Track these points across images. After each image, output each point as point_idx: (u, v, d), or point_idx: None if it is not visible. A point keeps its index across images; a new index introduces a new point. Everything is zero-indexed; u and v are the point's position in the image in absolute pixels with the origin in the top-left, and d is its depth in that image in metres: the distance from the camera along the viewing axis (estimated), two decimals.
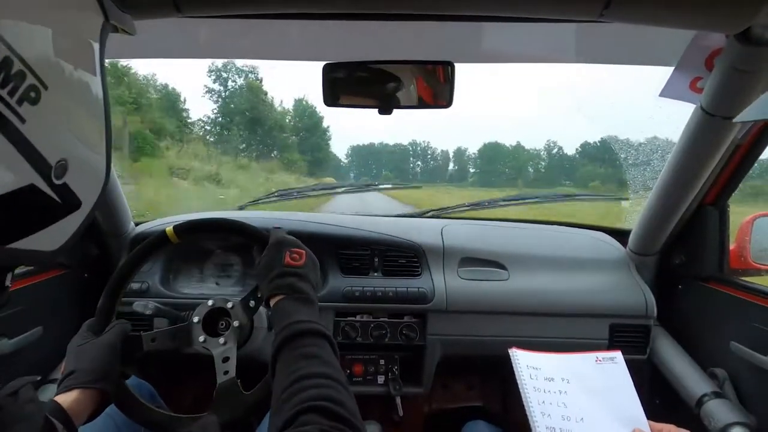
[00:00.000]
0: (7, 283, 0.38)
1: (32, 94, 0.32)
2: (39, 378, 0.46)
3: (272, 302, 0.65)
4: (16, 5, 0.31)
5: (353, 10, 0.67)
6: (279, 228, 0.75)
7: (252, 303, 0.77)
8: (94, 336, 0.71)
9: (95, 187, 0.42)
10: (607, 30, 0.83)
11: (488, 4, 0.64)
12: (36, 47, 0.32)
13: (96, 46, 0.40)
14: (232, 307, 0.77)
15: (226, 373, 0.73)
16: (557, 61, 1.13)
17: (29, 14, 0.32)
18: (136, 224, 1.28)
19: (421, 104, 0.93)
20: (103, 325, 0.74)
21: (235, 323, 0.75)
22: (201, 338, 0.76)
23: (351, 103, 0.93)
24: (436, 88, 0.91)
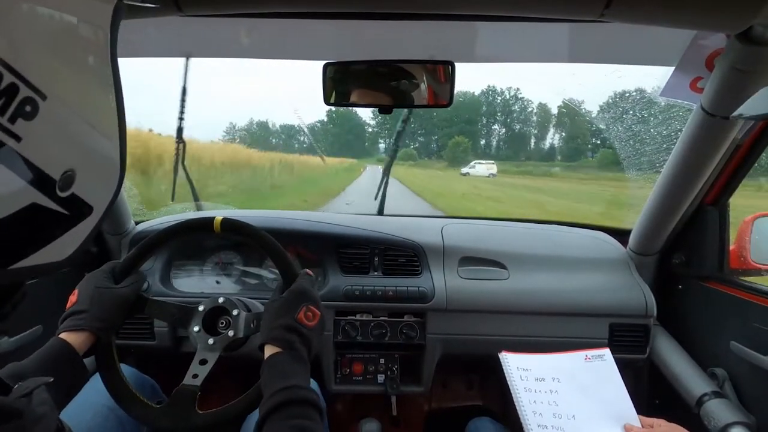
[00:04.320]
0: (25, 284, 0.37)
1: (27, 108, 0.28)
2: (52, 379, 0.46)
3: (266, 350, 0.64)
4: (2, 4, 0.27)
5: (353, 9, 0.67)
6: (310, 275, 0.74)
7: (260, 322, 0.74)
8: (113, 282, 0.74)
9: (108, 189, 0.38)
10: (608, 30, 0.83)
11: (489, 4, 0.64)
12: (30, 51, 0.28)
13: (107, 34, 0.35)
14: (237, 315, 0.76)
15: (194, 377, 0.71)
16: (557, 61, 1.13)
17: (21, 13, 0.28)
18: (137, 223, 1.28)
19: (422, 104, 0.93)
20: (125, 274, 0.76)
21: (230, 333, 0.75)
22: (196, 328, 0.75)
23: (351, 102, 0.93)
24: (436, 88, 0.91)
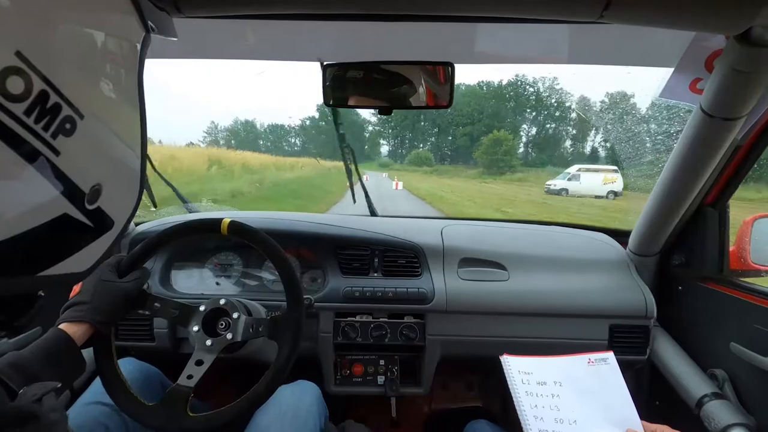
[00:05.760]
0: (40, 292, 0.38)
1: (67, 126, 0.31)
2: (60, 385, 0.46)
3: None
4: (54, 32, 0.30)
5: (353, 10, 0.67)
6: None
7: (259, 328, 0.76)
8: (117, 276, 0.75)
9: (128, 205, 0.41)
10: (607, 31, 0.83)
11: (487, 5, 0.64)
12: (73, 76, 0.31)
13: (137, 57, 0.39)
14: (237, 318, 0.76)
15: (189, 377, 0.72)
16: (557, 62, 1.13)
17: (68, 41, 0.31)
18: (137, 224, 1.28)
19: (422, 104, 0.93)
20: (130, 269, 0.76)
21: (229, 335, 0.75)
22: (195, 328, 0.76)
23: (351, 104, 0.93)
24: (436, 89, 0.91)
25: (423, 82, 0.91)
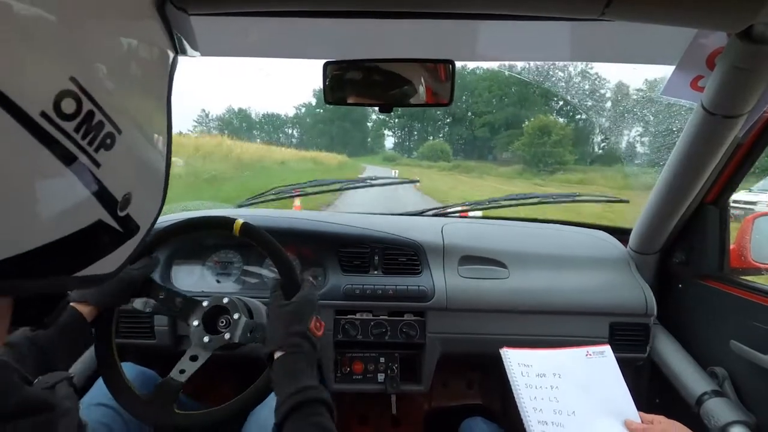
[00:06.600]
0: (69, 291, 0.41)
1: (108, 141, 0.34)
2: (72, 375, 0.49)
3: (278, 354, 0.66)
4: (100, 57, 0.33)
5: (355, 7, 0.67)
6: (313, 285, 0.76)
7: (257, 335, 0.76)
8: None
9: (153, 210, 0.44)
10: (609, 28, 0.83)
11: (489, 3, 0.64)
12: (114, 95, 0.34)
13: (167, 78, 0.42)
14: (237, 318, 0.77)
15: (181, 372, 0.72)
16: (559, 60, 1.13)
17: (110, 64, 0.34)
18: None
19: (422, 102, 0.93)
20: (139, 256, 0.78)
21: (227, 336, 0.75)
22: (195, 322, 0.76)
23: (352, 101, 0.93)
24: (436, 87, 0.91)
25: (424, 79, 0.91)
